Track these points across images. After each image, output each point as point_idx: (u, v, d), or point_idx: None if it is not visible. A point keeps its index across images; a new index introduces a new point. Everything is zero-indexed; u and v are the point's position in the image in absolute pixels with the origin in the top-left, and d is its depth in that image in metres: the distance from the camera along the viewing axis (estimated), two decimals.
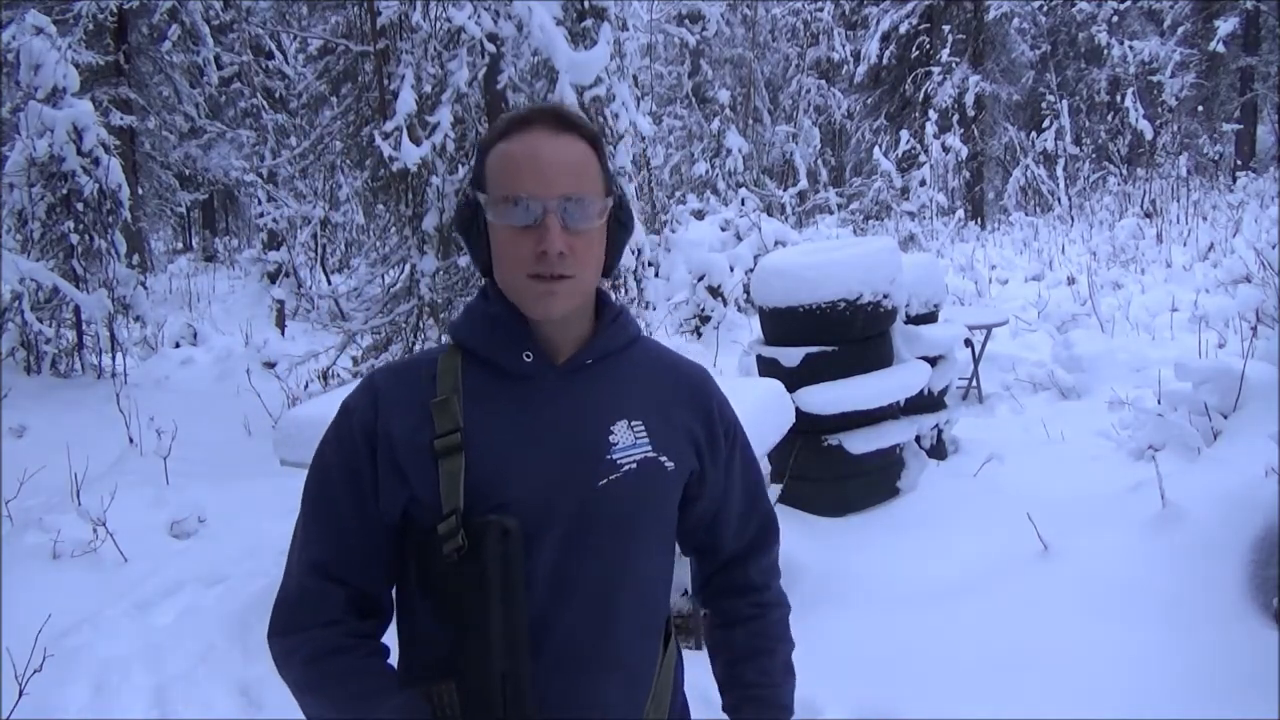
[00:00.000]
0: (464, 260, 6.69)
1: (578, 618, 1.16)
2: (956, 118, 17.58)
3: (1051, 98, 18.71)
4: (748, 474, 1.36)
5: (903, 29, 20.43)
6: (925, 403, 5.25)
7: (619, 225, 1.21)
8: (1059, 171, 16.78)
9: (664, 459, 1.21)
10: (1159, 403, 5.29)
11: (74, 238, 8.03)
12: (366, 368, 7.16)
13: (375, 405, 1.18)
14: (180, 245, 24.83)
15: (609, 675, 1.19)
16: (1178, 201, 15.18)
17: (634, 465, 1.18)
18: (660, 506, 1.23)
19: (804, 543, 4.09)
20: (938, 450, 5.38)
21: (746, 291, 8.35)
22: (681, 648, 1.38)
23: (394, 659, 1.22)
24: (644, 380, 1.26)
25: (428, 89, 6.54)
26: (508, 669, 1.09)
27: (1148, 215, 14.47)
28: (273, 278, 12.34)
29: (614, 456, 1.18)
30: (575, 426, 1.17)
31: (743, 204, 11.77)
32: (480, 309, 1.22)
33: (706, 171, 15.00)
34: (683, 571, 1.77)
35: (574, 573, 1.15)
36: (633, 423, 1.21)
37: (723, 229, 10.29)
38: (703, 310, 9.27)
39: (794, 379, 4.55)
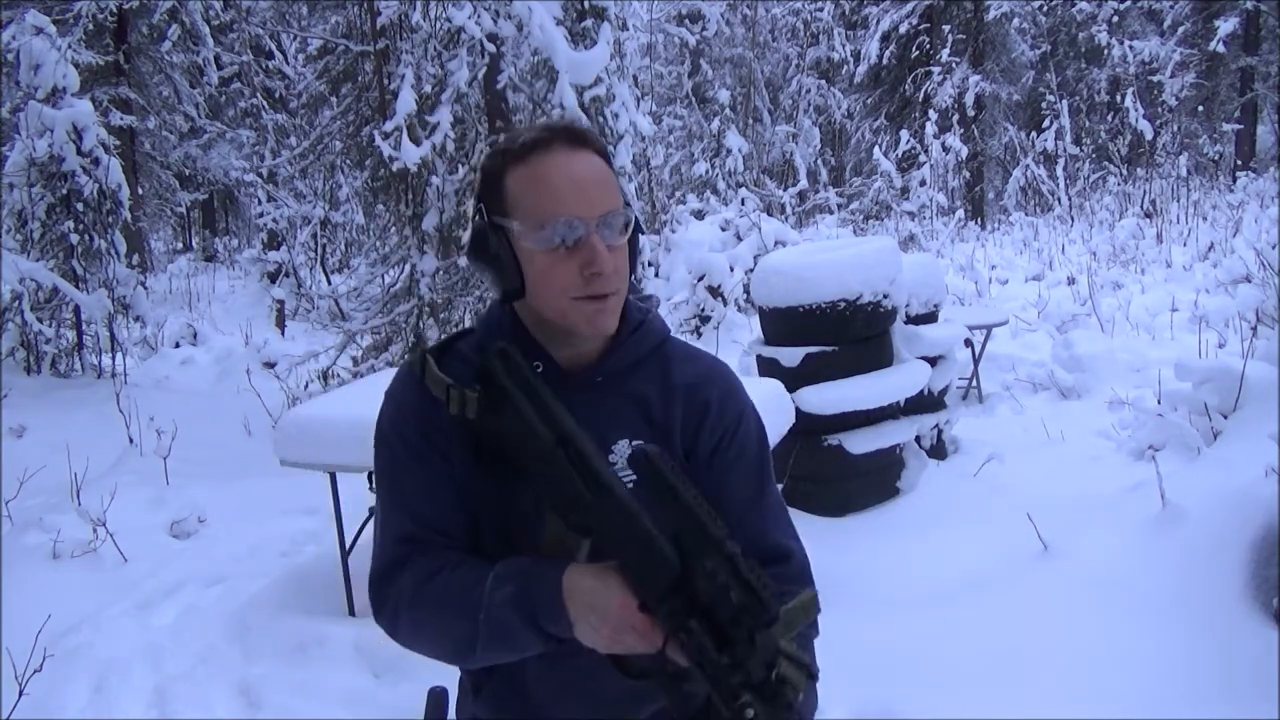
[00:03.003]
0: (464, 260, 6.68)
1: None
2: (956, 118, 17.57)
3: (1051, 98, 18.70)
4: (749, 482, 1.26)
5: (903, 29, 20.43)
6: (925, 403, 5.25)
7: (636, 233, 1.21)
8: (1059, 171, 16.77)
9: None
10: (1159, 403, 5.29)
11: (74, 238, 8.03)
12: (366, 368, 7.15)
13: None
14: (180, 245, 24.81)
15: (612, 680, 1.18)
16: (1178, 201, 15.17)
17: (630, 485, 1.17)
18: None
19: (804, 543, 4.08)
20: (938, 450, 5.38)
21: (746, 291, 8.35)
22: None
23: None
24: (657, 393, 1.24)
25: (428, 89, 6.54)
26: (560, 436, 1.09)
27: (1148, 215, 14.47)
28: (273, 278, 12.33)
29: None
30: None
31: (743, 204, 11.76)
32: (493, 327, 1.23)
33: (706, 171, 14.99)
34: None
35: None
36: (634, 443, 1.20)
37: (723, 229, 10.28)
38: (703, 310, 9.26)
39: (794, 379, 4.55)
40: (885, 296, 4.76)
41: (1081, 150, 18.32)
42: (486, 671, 1.24)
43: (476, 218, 1.19)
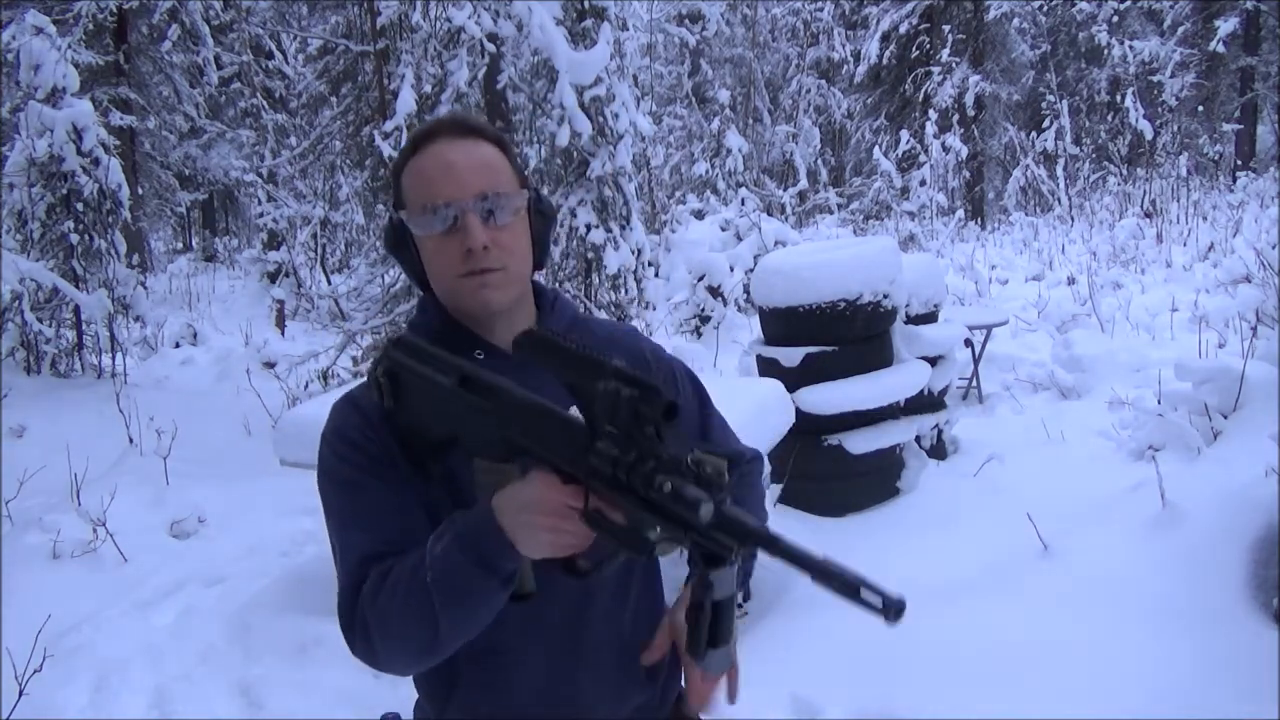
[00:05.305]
0: None
1: (560, 604, 1.20)
2: (956, 118, 17.58)
3: (1051, 98, 18.70)
4: (694, 413, 1.35)
5: (903, 29, 20.43)
6: (925, 403, 5.25)
7: (540, 216, 1.25)
8: (1059, 171, 16.77)
9: None
10: (1159, 403, 5.28)
11: (74, 238, 8.02)
12: (366, 368, 7.14)
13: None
14: (180, 245, 24.83)
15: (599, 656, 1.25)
16: (1178, 201, 15.17)
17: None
18: None
19: (804, 543, 4.07)
20: (938, 450, 5.38)
21: (746, 291, 8.35)
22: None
23: None
24: None
25: (428, 89, 6.54)
26: (459, 376, 1.08)
27: (1148, 215, 14.47)
28: (273, 278, 12.33)
29: None
30: None
31: (743, 204, 11.76)
32: (423, 322, 1.26)
33: (706, 171, 15.00)
34: (676, 571, 1.75)
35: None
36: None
37: (723, 229, 10.29)
38: (703, 310, 9.26)
39: (794, 379, 4.55)
40: (885, 296, 4.76)
41: (1081, 150, 18.33)
42: (453, 676, 1.23)
43: (388, 215, 1.24)
